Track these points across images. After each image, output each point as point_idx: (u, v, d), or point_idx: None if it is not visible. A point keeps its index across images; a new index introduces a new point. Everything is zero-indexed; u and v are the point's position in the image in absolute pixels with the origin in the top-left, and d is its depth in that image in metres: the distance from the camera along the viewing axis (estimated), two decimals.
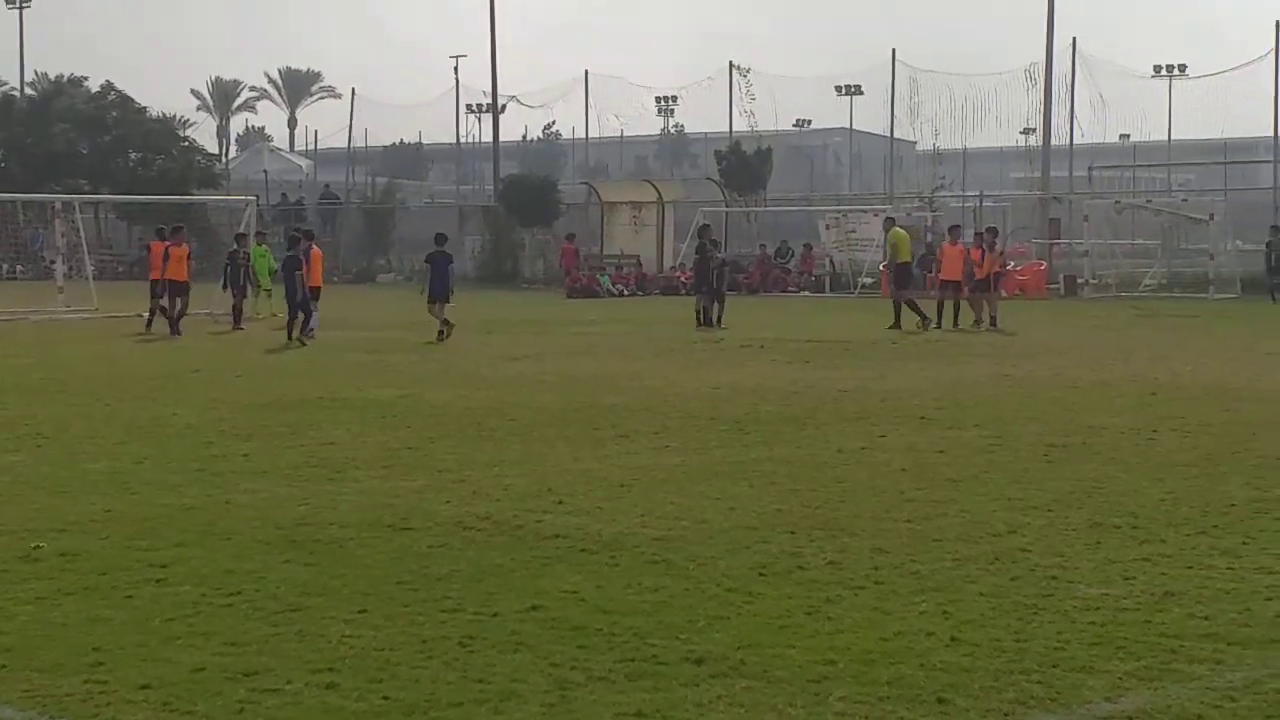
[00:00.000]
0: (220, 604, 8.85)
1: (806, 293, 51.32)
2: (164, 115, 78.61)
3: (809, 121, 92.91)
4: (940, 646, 7.91)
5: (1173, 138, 73.77)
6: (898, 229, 36.54)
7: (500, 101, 70.76)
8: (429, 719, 6.85)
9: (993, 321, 32.97)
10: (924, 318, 33.01)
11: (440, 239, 33.26)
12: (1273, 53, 58.21)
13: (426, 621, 8.43)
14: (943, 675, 7.41)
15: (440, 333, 29.74)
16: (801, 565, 9.80)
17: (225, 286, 34.71)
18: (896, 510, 11.67)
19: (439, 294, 30.82)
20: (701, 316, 34.04)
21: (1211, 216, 48.04)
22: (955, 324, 33.28)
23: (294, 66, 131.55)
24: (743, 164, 60.97)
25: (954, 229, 36.92)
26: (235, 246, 36.12)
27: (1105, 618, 8.48)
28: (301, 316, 29.59)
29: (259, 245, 38.62)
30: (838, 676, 7.40)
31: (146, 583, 9.35)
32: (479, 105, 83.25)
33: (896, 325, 32.80)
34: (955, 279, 33.92)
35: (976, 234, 36.10)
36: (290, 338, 29.03)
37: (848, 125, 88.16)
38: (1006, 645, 7.93)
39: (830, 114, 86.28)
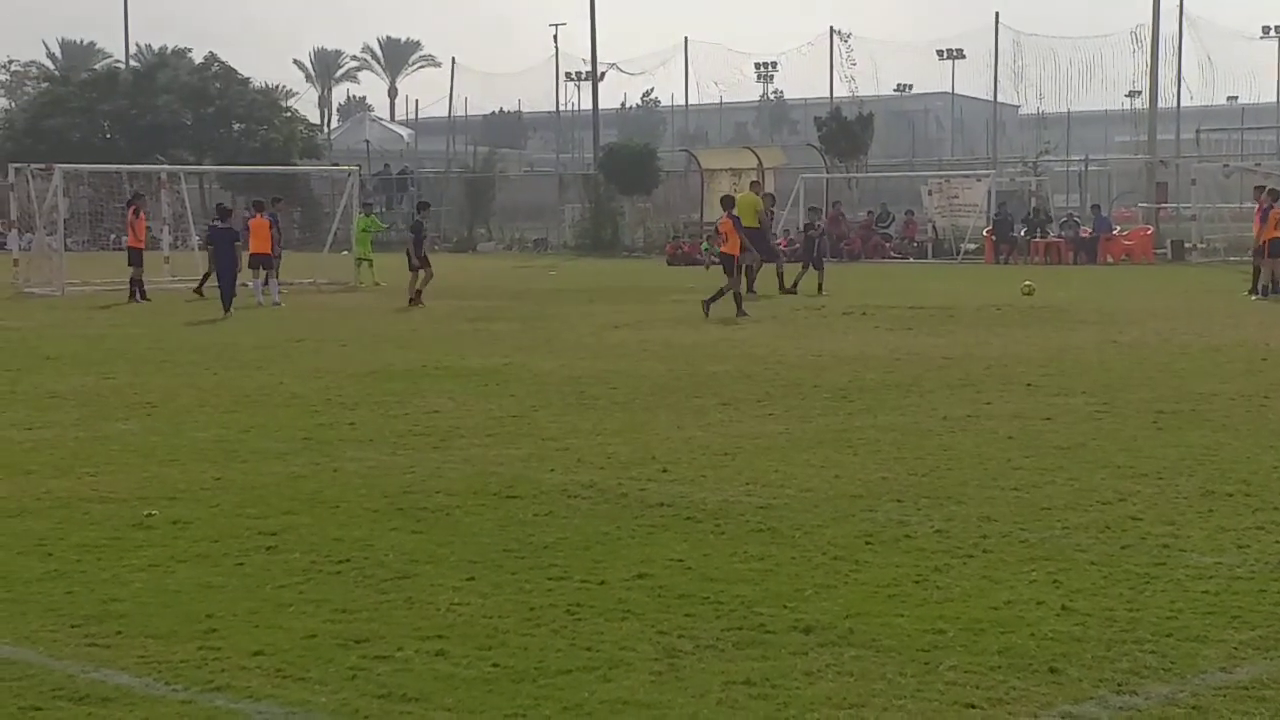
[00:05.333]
0: (330, 571, 8.92)
1: (910, 259, 50.93)
2: (267, 86, 79.55)
3: (910, 86, 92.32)
4: (1051, 615, 7.82)
5: None
6: (747, 193, 34.88)
7: (600, 69, 70.84)
8: (538, 686, 6.87)
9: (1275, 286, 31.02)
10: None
11: (223, 211, 29.65)
12: None
13: (534, 589, 8.46)
14: (1054, 645, 7.33)
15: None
16: (909, 533, 9.74)
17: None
18: (1004, 478, 11.57)
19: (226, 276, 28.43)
20: (781, 282, 34.40)
21: None
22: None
23: (394, 36, 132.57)
24: (843, 130, 60.47)
25: (1272, 191, 33.41)
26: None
27: (1219, 586, 8.35)
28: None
29: (364, 215, 38.80)
30: (947, 646, 7.34)
31: (257, 550, 9.44)
32: (578, 73, 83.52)
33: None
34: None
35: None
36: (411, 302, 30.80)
37: (949, 90, 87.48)
38: (1118, 614, 7.84)
39: (932, 78, 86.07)
